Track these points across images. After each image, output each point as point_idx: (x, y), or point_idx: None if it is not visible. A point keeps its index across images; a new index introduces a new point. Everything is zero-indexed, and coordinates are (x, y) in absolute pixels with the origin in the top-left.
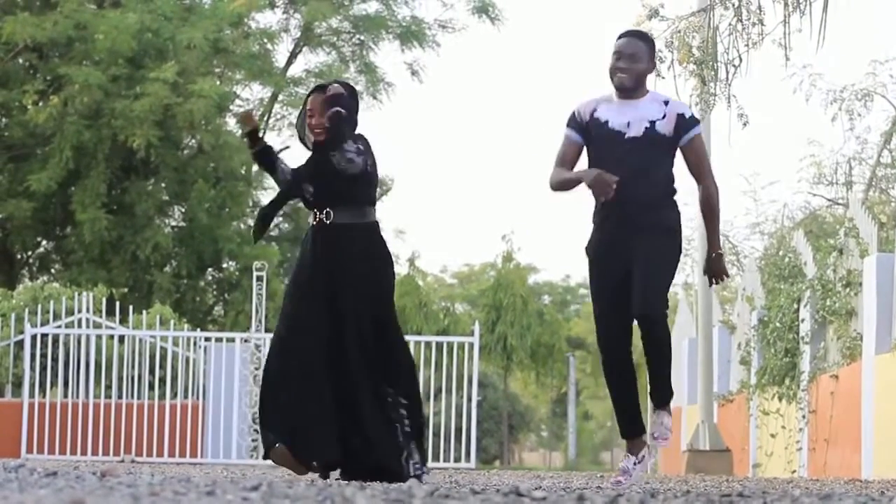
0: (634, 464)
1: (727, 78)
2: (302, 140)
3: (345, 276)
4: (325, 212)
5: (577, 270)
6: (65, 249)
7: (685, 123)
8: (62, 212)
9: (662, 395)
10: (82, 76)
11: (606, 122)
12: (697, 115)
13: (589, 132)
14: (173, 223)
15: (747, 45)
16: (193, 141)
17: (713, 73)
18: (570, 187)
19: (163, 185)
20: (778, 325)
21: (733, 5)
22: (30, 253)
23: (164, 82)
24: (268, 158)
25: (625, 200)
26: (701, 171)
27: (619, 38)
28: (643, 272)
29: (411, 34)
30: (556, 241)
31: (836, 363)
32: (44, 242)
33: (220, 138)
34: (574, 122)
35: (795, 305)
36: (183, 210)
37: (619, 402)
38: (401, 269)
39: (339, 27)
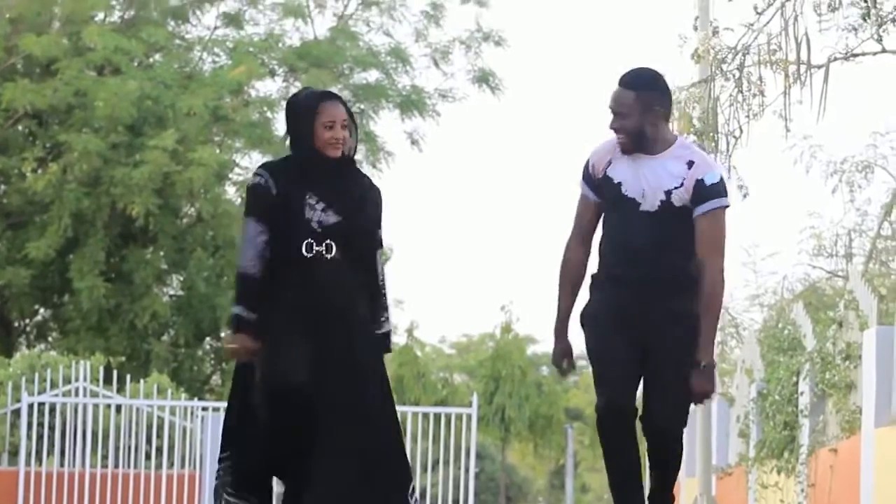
0: None
1: (728, 149)
2: (306, 152)
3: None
4: (325, 244)
5: (576, 341)
6: (62, 317)
7: (703, 193)
8: (60, 280)
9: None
10: (81, 143)
11: (619, 184)
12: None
13: (601, 191)
14: (171, 292)
15: (748, 116)
16: (192, 209)
17: (714, 144)
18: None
19: (161, 253)
20: (777, 397)
21: (734, 76)
22: (27, 321)
23: (164, 150)
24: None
25: (641, 279)
26: (710, 247)
27: (617, 83)
28: (665, 380)
29: (411, 103)
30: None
31: (836, 437)
32: (41, 310)
33: (219, 207)
34: (587, 177)
35: (794, 378)
36: (181, 279)
37: (619, 479)
38: (399, 339)
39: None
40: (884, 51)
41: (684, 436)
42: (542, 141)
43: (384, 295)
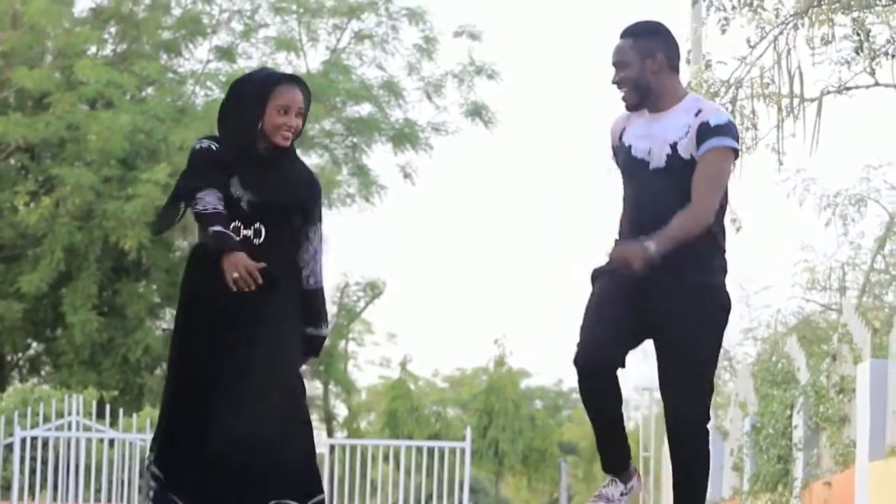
0: (622, 493)
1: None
2: (243, 137)
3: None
4: (252, 228)
5: (569, 375)
6: (55, 351)
7: (706, 132)
8: (53, 313)
9: None
10: (74, 177)
11: (630, 147)
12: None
13: (618, 158)
14: (164, 325)
15: (741, 150)
16: (185, 242)
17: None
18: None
19: (154, 286)
20: (771, 431)
21: (726, 110)
22: (20, 354)
23: (156, 184)
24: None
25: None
26: (701, 187)
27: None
28: (684, 364)
29: (404, 137)
30: (549, 346)
31: (830, 470)
32: (34, 344)
33: None
34: (613, 152)
35: (788, 412)
36: (174, 312)
37: (603, 433)
38: (392, 372)
39: (332, 129)
40: (877, 84)
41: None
42: (534, 174)
43: (321, 296)
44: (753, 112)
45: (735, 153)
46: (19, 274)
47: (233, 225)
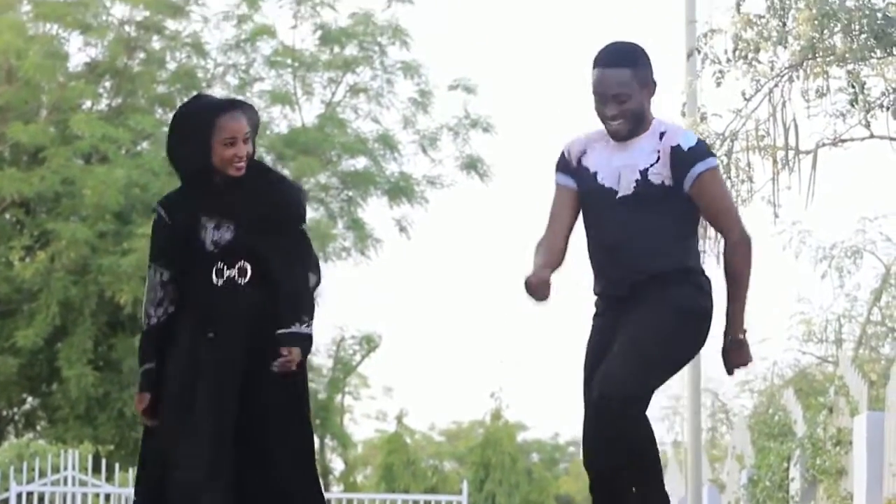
0: None
1: (716, 235)
2: (194, 171)
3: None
4: (237, 268)
5: (565, 428)
6: (51, 406)
7: (683, 159)
8: (48, 368)
9: None
10: (69, 232)
11: (595, 174)
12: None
13: (578, 180)
14: None
15: (737, 202)
16: None
17: (703, 230)
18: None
19: None
20: (768, 483)
21: (722, 162)
22: (15, 409)
23: None
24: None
25: (621, 278)
26: (718, 218)
27: (595, 65)
28: (620, 345)
29: (400, 190)
30: (545, 399)
31: None
32: (29, 399)
33: None
34: (563, 165)
35: (785, 464)
36: None
37: None
38: (388, 426)
39: (327, 183)
40: (872, 136)
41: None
42: (529, 226)
43: (303, 297)
44: (749, 164)
45: (718, 168)
46: (14, 329)
47: (215, 267)
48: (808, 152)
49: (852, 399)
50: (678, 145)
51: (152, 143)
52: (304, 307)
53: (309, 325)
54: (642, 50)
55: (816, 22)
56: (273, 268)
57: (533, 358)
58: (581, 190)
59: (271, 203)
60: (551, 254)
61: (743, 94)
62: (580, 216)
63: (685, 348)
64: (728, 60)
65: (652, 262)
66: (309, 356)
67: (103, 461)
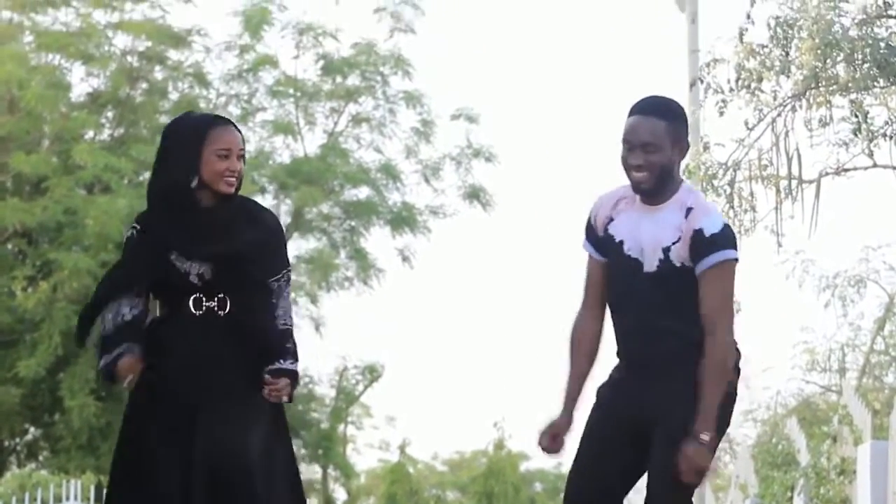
0: None
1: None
2: (177, 187)
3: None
4: (216, 299)
5: (568, 458)
6: (53, 436)
7: (703, 247)
8: (51, 398)
9: None
10: (71, 261)
11: (621, 243)
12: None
13: (604, 251)
14: None
15: (740, 232)
16: None
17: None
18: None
19: None
20: None
21: (725, 192)
22: (18, 440)
23: None
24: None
25: (649, 358)
26: (711, 313)
27: (631, 113)
28: (662, 461)
29: (402, 220)
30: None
31: None
32: (32, 429)
33: None
34: (590, 233)
35: (789, 493)
36: None
37: None
38: (391, 455)
39: (329, 213)
40: (875, 165)
41: None
42: (532, 256)
43: (291, 336)
44: (752, 194)
45: (737, 261)
46: (17, 359)
47: (192, 297)
48: (811, 181)
49: (856, 428)
50: (700, 230)
51: None
52: (289, 345)
53: (294, 363)
54: (681, 108)
55: (819, 51)
56: (255, 304)
57: (536, 387)
58: (608, 259)
59: (258, 232)
60: (588, 351)
61: (746, 123)
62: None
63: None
64: (731, 90)
65: (675, 341)
66: (311, 387)
67: (105, 491)
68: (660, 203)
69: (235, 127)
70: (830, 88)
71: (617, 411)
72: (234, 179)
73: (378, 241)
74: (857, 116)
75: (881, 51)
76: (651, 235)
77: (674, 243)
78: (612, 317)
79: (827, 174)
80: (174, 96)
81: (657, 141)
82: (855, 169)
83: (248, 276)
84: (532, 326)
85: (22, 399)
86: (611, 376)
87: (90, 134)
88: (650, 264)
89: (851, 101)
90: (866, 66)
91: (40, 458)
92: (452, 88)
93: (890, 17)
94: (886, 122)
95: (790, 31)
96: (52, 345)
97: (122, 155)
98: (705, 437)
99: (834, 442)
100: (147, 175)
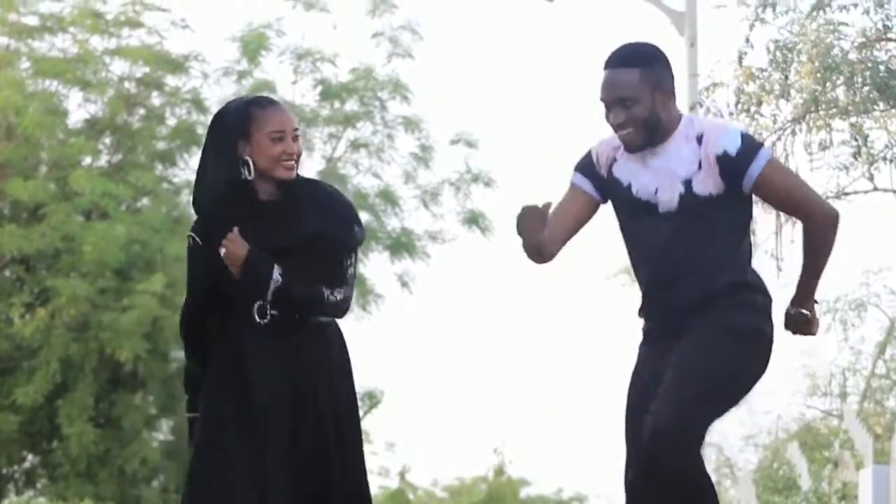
0: None
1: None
2: (229, 184)
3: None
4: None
5: (569, 484)
6: (51, 463)
7: (735, 165)
8: (49, 425)
9: None
10: (69, 288)
11: (629, 186)
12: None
13: (607, 191)
14: (161, 437)
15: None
16: (181, 353)
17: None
18: (529, 248)
19: (150, 398)
20: None
21: None
22: (16, 467)
23: (152, 294)
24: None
25: (670, 301)
26: (794, 208)
27: (603, 68)
28: (669, 378)
29: (401, 245)
30: (549, 455)
31: None
32: (30, 456)
33: None
34: (586, 167)
35: None
36: (171, 423)
37: None
38: (391, 482)
39: None
40: (875, 189)
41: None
42: (532, 281)
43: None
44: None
45: (771, 156)
46: (15, 386)
47: (257, 305)
48: None
49: (857, 453)
50: (724, 152)
51: (152, 199)
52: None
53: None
54: (657, 51)
55: (819, 75)
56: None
57: (536, 413)
58: (617, 206)
59: (338, 222)
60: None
61: None
62: (587, 223)
63: (741, 376)
64: (731, 114)
65: (703, 282)
66: None
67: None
68: (661, 144)
69: (278, 105)
70: (830, 112)
71: (651, 366)
72: (292, 162)
73: (377, 266)
74: (857, 140)
75: (881, 74)
76: (663, 173)
77: (694, 174)
78: (636, 274)
79: (827, 198)
80: (172, 122)
81: (633, 93)
82: (855, 192)
83: (325, 270)
84: (532, 351)
85: (20, 426)
86: (641, 343)
87: (88, 160)
88: (668, 203)
89: (851, 125)
90: (866, 89)
91: (38, 485)
92: (451, 113)
93: (889, 39)
94: (887, 146)
95: (789, 55)
96: (50, 372)
97: (119, 181)
98: (809, 307)
99: (835, 467)
100: (145, 201)
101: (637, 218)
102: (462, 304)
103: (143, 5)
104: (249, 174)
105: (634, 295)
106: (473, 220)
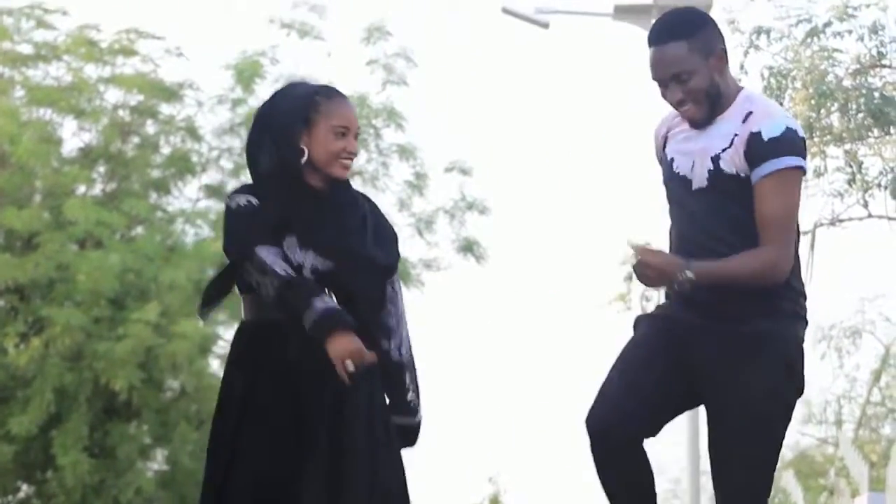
0: None
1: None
2: (285, 165)
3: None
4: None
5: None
6: (46, 493)
7: (758, 150)
8: (43, 455)
9: None
10: (64, 318)
11: (672, 161)
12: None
13: (663, 168)
14: (156, 466)
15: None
16: (176, 383)
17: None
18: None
19: (145, 427)
20: None
21: None
22: (10, 497)
23: (147, 323)
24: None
25: (702, 295)
26: (764, 225)
27: (648, 46)
28: (734, 441)
29: None
30: (544, 483)
31: None
32: (24, 486)
33: (203, 380)
34: (657, 156)
35: None
36: (166, 453)
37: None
38: None
39: None
40: (870, 216)
41: None
42: (527, 309)
43: (412, 370)
44: None
45: (801, 171)
46: (9, 416)
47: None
48: (806, 232)
49: (853, 480)
50: (758, 133)
51: (147, 228)
52: (418, 387)
53: (415, 415)
54: (700, 15)
55: (813, 101)
56: (384, 322)
57: (531, 441)
58: (664, 177)
59: (389, 234)
60: None
61: None
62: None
63: (781, 431)
64: None
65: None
66: None
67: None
68: (720, 114)
69: (344, 97)
70: (825, 138)
71: (664, 346)
72: (350, 162)
73: None
74: (851, 166)
75: (875, 101)
76: (703, 146)
77: (724, 150)
78: (671, 242)
79: (822, 225)
80: (166, 150)
81: (686, 66)
82: (850, 219)
83: (372, 279)
84: (527, 379)
85: (14, 456)
86: (660, 305)
87: (82, 189)
88: (700, 180)
89: (846, 152)
90: (860, 115)
91: None
92: (446, 141)
93: (883, 66)
94: (881, 173)
95: (784, 82)
96: (45, 401)
97: (114, 209)
98: (690, 271)
99: (831, 494)
100: (139, 230)
101: (676, 195)
102: (457, 332)
103: (137, 33)
104: (303, 160)
105: (629, 323)
106: (468, 247)
